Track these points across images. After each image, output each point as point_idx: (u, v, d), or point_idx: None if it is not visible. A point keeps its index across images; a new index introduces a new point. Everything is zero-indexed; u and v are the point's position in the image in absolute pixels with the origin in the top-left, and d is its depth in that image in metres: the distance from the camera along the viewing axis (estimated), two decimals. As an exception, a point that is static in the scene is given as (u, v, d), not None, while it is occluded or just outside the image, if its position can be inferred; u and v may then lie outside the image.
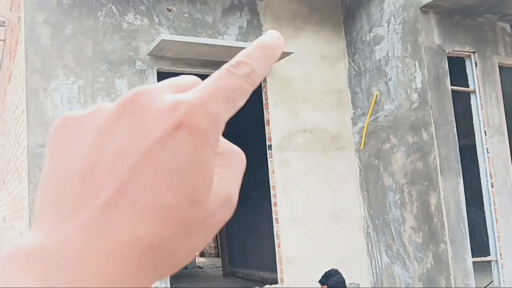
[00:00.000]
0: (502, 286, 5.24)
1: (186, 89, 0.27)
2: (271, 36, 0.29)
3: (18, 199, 4.91)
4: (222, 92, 0.26)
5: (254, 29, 5.38)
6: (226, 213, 0.26)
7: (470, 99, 5.49)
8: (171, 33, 4.75)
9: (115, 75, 4.49)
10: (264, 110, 5.56)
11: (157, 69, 4.72)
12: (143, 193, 0.23)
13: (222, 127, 0.26)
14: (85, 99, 4.34)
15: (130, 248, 0.22)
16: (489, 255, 5.33)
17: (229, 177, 0.27)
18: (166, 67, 4.79)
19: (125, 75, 4.53)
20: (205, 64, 5.01)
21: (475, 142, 5.46)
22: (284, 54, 5.18)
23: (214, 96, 0.25)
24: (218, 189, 0.26)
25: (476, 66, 5.42)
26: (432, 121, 4.91)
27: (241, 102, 0.27)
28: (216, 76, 0.26)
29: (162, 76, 4.90)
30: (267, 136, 5.54)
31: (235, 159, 0.29)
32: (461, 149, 5.17)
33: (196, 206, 0.24)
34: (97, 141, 0.25)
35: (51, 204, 0.24)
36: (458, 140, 5.12)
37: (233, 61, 0.27)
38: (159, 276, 0.24)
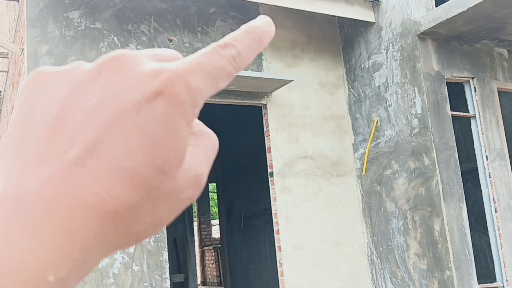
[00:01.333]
0: (509, 312, 5.15)
1: (168, 61, 0.26)
2: (261, 21, 0.29)
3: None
4: (207, 68, 0.26)
5: (254, 57, 5.44)
6: (194, 191, 0.26)
7: (470, 124, 5.50)
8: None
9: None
10: (265, 137, 5.57)
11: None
12: (112, 155, 0.23)
13: (201, 103, 0.25)
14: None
15: (94, 208, 0.22)
16: (495, 281, 5.26)
17: (201, 157, 0.27)
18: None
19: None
20: (206, 92, 5.04)
21: (476, 166, 5.45)
22: (284, 82, 5.23)
23: (198, 70, 0.25)
24: (189, 165, 0.25)
25: (475, 91, 5.45)
26: (433, 146, 4.92)
27: (223, 83, 0.27)
28: (202, 52, 0.26)
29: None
30: (268, 163, 5.53)
31: (208, 140, 0.29)
32: (462, 173, 5.16)
33: (165, 177, 0.24)
34: (70, 96, 0.24)
35: (14, 152, 0.24)
36: (460, 164, 5.12)
37: (220, 41, 0.27)
38: (120, 244, 0.23)
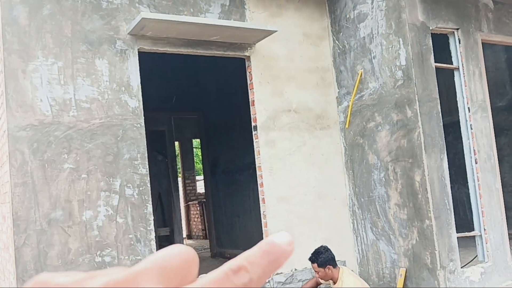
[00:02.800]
0: (486, 260, 5.32)
1: (176, 272, 0.25)
2: (282, 240, 0.28)
3: (0, 184, 4.84)
4: None
5: (237, 7, 5.31)
6: None
7: (453, 76, 5.50)
8: (151, 12, 4.66)
9: (95, 55, 4.40)
10: (249, 90, 5.51)
11: (138, 49, 4.64)
12: None
13: None
14: (65, 80, 4.25)
15: None
16: (473, 230, 5.41)
17: None
18: (147, 47, 4.71)
19: (105, 55, 4.45)
20: (188, 43, 4.94)
21: (458, 120, 5.49)
22: (268, 33, 5.13)
23: None
24: None
25: (459, 43, 5.42)
26: (416, 98, 4.92)
27: None
28: (213, 277, 0.25)
29: (143, 56, 4.82)
30: (252, 117, 5.50)
31: None
32: (444, 126, 5.19)
33: None
34: None
35: None
36: (442, 117, 5.14)
37: (235, 263, 0.26)
38: None
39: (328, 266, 4.55)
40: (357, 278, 4.78)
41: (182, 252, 0.27)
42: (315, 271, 4.62)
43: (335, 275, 4.60)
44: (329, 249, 4.68)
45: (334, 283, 4.69)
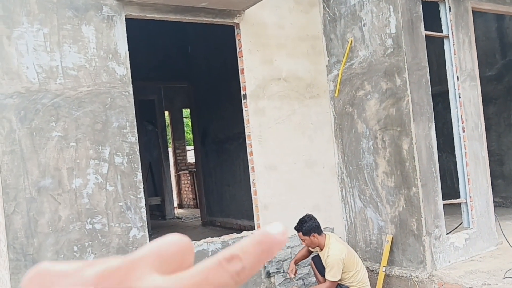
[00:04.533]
0: (471, 226, 5.44)
1: (173, 259, 0.26)
2: (275, 230, 0.28)
3: (-12, 152, 4.81)
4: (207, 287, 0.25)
5: (226, -27, 5.20)
6: None
7: (443, 45, 5.49)
8: (139, -23, 4.57)
9: (82, 22, 4.33)
10: (238, 58, 5.47)
11: (125, 15, 4.56)
12: None
13: None
14: (51, 47, 4.19)
15: None
16: (459, 198, 5.50)
17: None
18: (134, 13, 4.63)
19: (92, 22, 4.37)
20: (176, 9, 4.86)
21: (447, 89, 5.51)
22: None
23: None
24: None
25: (450, 10, 5.39)
26: (406, 66, 4.92)
27: None
28: (206, 265, 0.26)
29: (131, 23, 4.75)
30: (241, 85, 5.48)
31: None
32: (433, 96, 5.21)
33: None
34: None
35: None
36: (431, 87, 5.16)
37: (228, 252, 0.26)
38: None
39: (313, 234, 4.62)
40: (344, 245, 4.87)
41: (178, 241, 0.28)
42: (301, 239, 4.69)
43: (321, 242, 4.68)
44: (313, 217, 4.73)
45: (321, 250, 4.77)
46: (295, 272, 4.83)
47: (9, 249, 3.91)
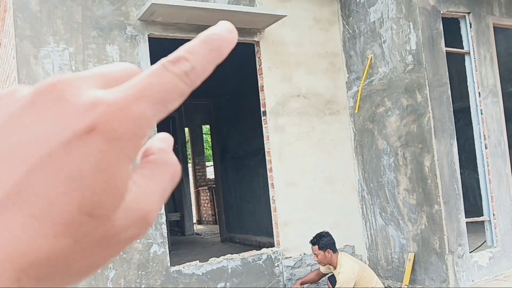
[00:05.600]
0: (494, 245, 5.33)
1: (118, 81, 0.24)
2: (221, 28, 0.26)
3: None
4: (153, 92, 0.23)
5: (246, -8, 5.29)
6: (138, 231, 0.23)
7: (464, 61, 5.46)
8: (161, -3, 4.67)
9: (106, 41, 4.43)
10: (258, 76, 5.52)
11: (148, 35, 4.66)
12: (34, 201, 0.20)
13: (147, 132, 0.23)
14: (76, 66, 4.29)
15: (7, 263, 0.20)
16: (482, 215, 5.41)
17: (152, 191, 0.25)
18: (157, 33, 4.72)
19: (116, 41, 4.47)
20: (198, 29, 4.94)
21: (469, 105, 5.46)
22: (277, 18, 5.12)
23: (142, 97, 0.23)
24: (133, 204, 0.23)
25: (470, 27, 5.37)
26: (427, 83, 4.90)
27: (174, 104, 0.24)
28: (150, 71, 0.24)
29: (153, 42, 4.84)
30: (261, 102, 5.52)
31: (166, 170, 0.26)
32: (455, 112, 5.17)
33: (95, 221, 0.21)
34: (1, 130, 0.22)
35: None
36: (452, 103, 5.12)
37: (172, 55, 0.24)
38: None
39: (328, 249, 4.60)
40: (356, 263, 4.83)
41: (126, 66, 0.26)
42: (315, 253, 4.67)
43: (333, 259, 4.66)
44: (330, 234, 4.74)
45: (334, 268, 4.75)
46: None
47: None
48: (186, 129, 12.79)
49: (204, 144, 15.32)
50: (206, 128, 14.85)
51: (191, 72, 0.24)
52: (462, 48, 5.44)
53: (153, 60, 4.72)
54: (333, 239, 4.68)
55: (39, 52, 4.18)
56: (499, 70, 5.62)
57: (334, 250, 4.65)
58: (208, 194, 13.38)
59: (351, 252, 5.61)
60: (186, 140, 12.62)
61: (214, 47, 0.26)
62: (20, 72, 4.12)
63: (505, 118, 5.62)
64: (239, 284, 4.95)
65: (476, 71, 5.37)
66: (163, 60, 0.24)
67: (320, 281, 5.12)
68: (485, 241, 5.46)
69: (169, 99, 0.24)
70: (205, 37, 0.26)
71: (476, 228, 5.95)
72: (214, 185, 11.05)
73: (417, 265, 5.16)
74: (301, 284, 5.00)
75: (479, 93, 5.35)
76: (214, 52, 0.26)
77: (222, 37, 0.26)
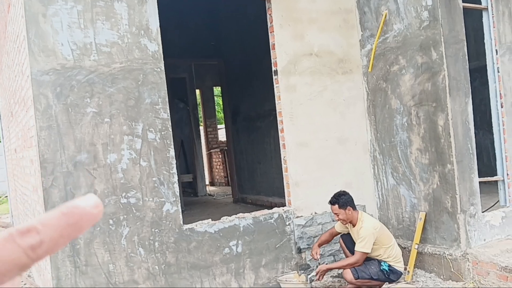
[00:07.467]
0: (507, 205, 5.30)
1: None
2: (86, 202, 0.25)
3: (26, 128, 4.95)
4: None
5: None
6: None
7: (482, 17, 5.29)
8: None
9: (114, -2, 4.35)
10: (269, 33, 5.42)
11: (157, -9, 4.56)
12: None
13: None
14: (85, 24, 4.24)
15: None
16: (496, 175, 5.36)
17: None
18: (166, -11, 4.62)
19: (124, -2, 4.39)
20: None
21: (485, 64, 5.32)
22: (289, -27, 4.96)
23: None
24: None
25: (490, -19, 5.17)
26: (442, 40, 4.76)
27: (12, 277, 0.22)
28: None
29: (162, 0, 4.75)
30: (272, 61, 5.43)
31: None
32: (471, 71, 5.04)
33: None
34: None
35: None
36: (469, 62, 4.99)
37: (24, 225, 0.23)
38: None
39: (348, 207, 4.65)
40: (376, 220, 4.88)
41: None
42: (335, 213, 4.70)
43: (354, 216, 4.70)
44: (348, 193, 4.77)
45: (354, 226, 4.77)
46: (319, 254, 4.87)
47: (48, 222, 4.05)
48: (197, 91, 12.73)
49: (216, 106, 15.27)
50: (217, 90, 14.77)
51: (39, 246, 0.23)
52: (480, 3, 5.26)
53: (161, 17, 4.65)
54: (351, 197, 4.71)
55: (47, 10, 4.13)
56: (518, 26, 5.44)
57: (354, 208, 4.70)
58: (220, 156, 13.44)
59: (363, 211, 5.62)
60: (198, 102, 12.58)
61: (73, 222, 0.24)
62: (29, 31, 4.08)
63: (522, 76, 5.48)
64: (250, 242, 5.02)
65: (493, 27, 5.21)
66: (12, 229, 0.23)
67: (332, 240, 5.18)
68: (498, 201, 5.43)
69: (7, 271, 0.22)
70: (66, 209, 0.24)
71: (489, 189, 5.91)
72: (226, 147, 11.08)
73: (428, 224, 5.16)
74: (319, 245, 5.06)
75: (496, 50, 5.20)
76: (71, 227, 0.24)
77: (85, 212, 0.25)
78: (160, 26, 4.57)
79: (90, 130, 4.22)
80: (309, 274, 4.91)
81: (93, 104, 4.24)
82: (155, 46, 4.52)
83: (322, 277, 4.77)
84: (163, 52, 4.58)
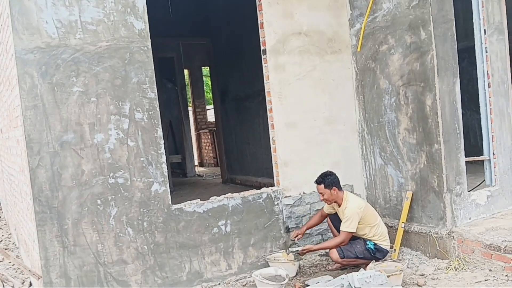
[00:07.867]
0: (493, 184, 5.37)
1: None
2: None
3: (12, 108, 4.88)
4: None
5: None
6: None
7: (471, -3, 5.27)
8: None
9: (99, -26, 4.26)
10: (258, 12, 5.36)
11: (143, -32, 4.47)
12: None
13: None
14: (70, 1, 4.15)
15: None
16: (482, 155, 5.41)
17: None
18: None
19: (109, -25, 4.30)
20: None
21: (473, 45, 5.33)
22: (278, -50, 4.89)
23: None
24: None
25: (479, -40, 5.14)
26: (431, 19, 4.75)
27: None
28: None
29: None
30: (261, 40, 5.39)
31: None
32: (459, 51, 5.05)
33: None
34: None
35: None
36: (457, 42, 4.99)
37: None
38: None
39: (333, 187, 4.69)
40: (361, 200, 4.93)
41: None
42: (320, 193, 4.74)
43: (339, 196, 4.75)
44: (334, 173, 4.82)
45: (339, 206, 4.82)
46: (300, 236, 4.98)
47: (34, 202, 4.02)
48: (186, 71, 12.62)
49: (204, 87, 15.18)
50: (206, 70, 14.66)
51: None
52: (470, -18, 5.24)
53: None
54: (337, 178, 4.76)
55: (30, -14, 4.02)
56: (506, 6, 5.45)
57: (340, 188, 4.74)
58: (209, 137, 13.41)
59: (349, 191, 5.65)
60: (186, 83, 12.49)
61: None
62: (12, 7, 3.99)
63: (510, 56, 5.50)
64: (239, 221, 5.04)
65: (482, 7, 5.20)
66: None
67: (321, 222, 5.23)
68: (484, 180, 5.50)
69: None
70: None
71: (476, 169, 5.98)
72: (215, 128, 11.05)
73: (415, 203, 5.22)
74: (307, 228, 5.12)
75: (484, 30, 5.21)
76: None
77: None
78: (146, 4, 4.49)
79: (76, 109, 4.17)
80: (293, 248, 4.98)
81: (79, 84, 4.18)
82: (141, 24, 4.45)
83: (303, 255, 4.90)
84: (150, 31, 4.51)
